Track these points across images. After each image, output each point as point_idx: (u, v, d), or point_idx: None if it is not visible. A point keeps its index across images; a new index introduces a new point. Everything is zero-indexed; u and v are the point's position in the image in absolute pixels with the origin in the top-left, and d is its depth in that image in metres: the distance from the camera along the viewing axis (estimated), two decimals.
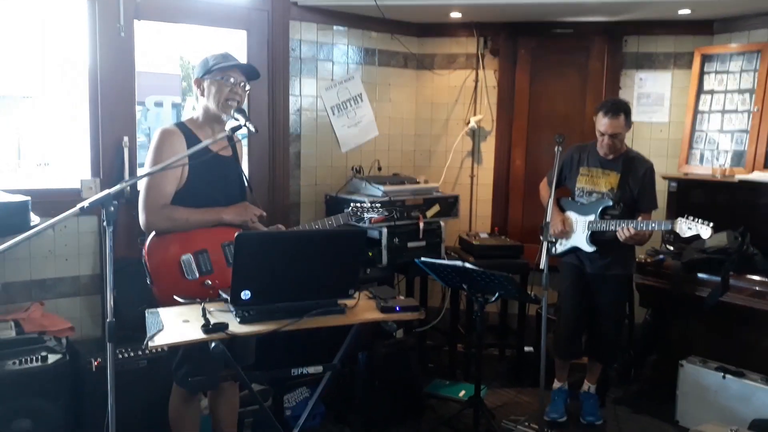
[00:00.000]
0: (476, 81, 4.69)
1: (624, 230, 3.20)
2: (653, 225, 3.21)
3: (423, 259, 3.20)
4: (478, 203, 4.79)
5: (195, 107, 2.68)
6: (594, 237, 3.38)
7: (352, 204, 3.10)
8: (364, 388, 3.41)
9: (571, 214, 3.50)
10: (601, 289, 3.48)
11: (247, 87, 2.62)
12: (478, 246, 4.13)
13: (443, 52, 4.74)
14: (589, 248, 3.39)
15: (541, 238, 3.47)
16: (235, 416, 2.81)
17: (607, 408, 3.72)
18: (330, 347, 2.61)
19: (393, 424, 3.43)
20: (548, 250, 3.29)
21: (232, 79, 2.54)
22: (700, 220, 3.08)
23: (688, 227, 3.08)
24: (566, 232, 3.46)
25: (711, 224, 3.05)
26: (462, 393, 3.83)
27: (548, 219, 3.22)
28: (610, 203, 3.37)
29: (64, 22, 3.54)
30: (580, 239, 3.43)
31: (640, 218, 3.28)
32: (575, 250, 3.48)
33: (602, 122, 3.32)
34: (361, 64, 4.48)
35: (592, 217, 3.39)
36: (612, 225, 3.27)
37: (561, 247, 3.53)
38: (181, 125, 2.59)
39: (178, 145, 2.49)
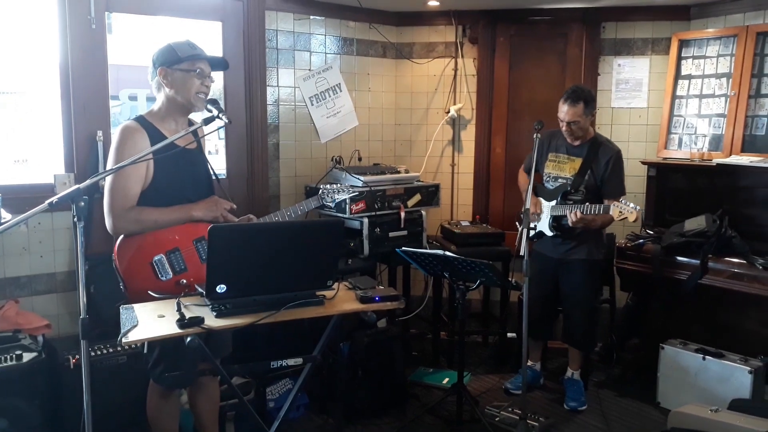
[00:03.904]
0: (455, 69, 4.65)
1: (573, 214, 3.24)
2: (594, 209, 3.22)
3: (404, 248, 3.17)
4: (459, 192, 4.76)
5: (157, 98, 2.55)
6: (555, 222, 3.45)
7: (321, 188, 3.07)
8: (347, 379, 3.38)
9: (541, 199, 3.58)
10: (565, 274, 3.54)
11: (212, 78, 2.51)
12: (459, 234, 4.11)
13: (422, 41, 4.69)
14: (549, 232, 3.46)
15: (517, 224, 3.60)
16: (215, 411, 2.76)
17: (590, 391, 3.72)
18: (313, 338, 2.57)
19: (376, 414, 3.41)
20: (528, 237, 3.29)
21: (199, 71, 2.43)
22: (631, 204, 3.10)
23: (619, 211, 3.12)
24: (538, 215, 3.53)
25: (637, 207, 3.08)
26: (446, 380, 3.81)
27: (527, 206, 3.20)
28: (569, 188, 3.44)
29: (35, 15, 3.44)
30: (543, 224, 3.51)
31: (587, 204, 3.30)
32: (541, 235, 3.54)
33: (562, 110, 3.40)
34: (339, 54, 4.41)
35: (553, 202, 3.45)
36: (566, 209, 3.33)
37: (532, 231, 3.59)
38: (141, 120, 2.46)
39: (141, 143, 2.36)
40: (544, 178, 3.59)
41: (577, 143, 3.48)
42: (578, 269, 3.49)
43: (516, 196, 4.15)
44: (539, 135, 3.37)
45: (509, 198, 4.62)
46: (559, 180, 3.50)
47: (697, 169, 3.87)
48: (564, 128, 3.41)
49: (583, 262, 3.48)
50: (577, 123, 3.38)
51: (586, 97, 3.36)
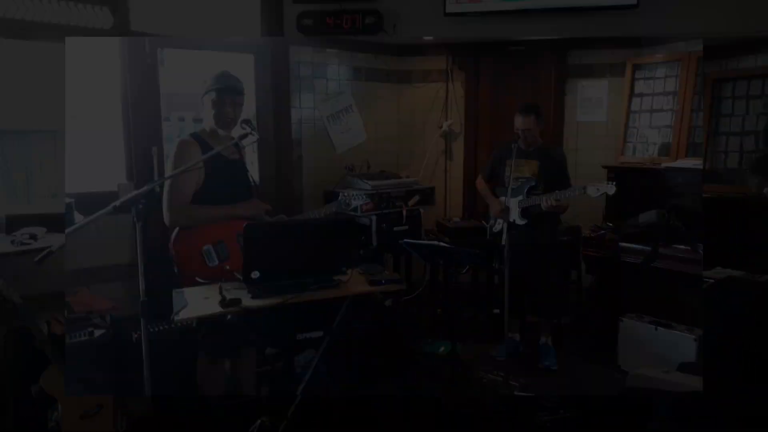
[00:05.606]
0: (447, 92, 4.64)
1: (548, 201, 3.27)
2: (569, 193, 3.26)
3: (406, 240, 3.18)
4: (451, 193, 4.76)
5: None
6: (524, 212, 3.45)
7: (341, 193, 3.12)
8: (360, 349, 3.38)
9: (504, 198, 3.53)
10: (538, 254, 3.52)
11: (241, 100, 2.53)
12: (451, 228, 4.12)
13: (419, 69, 4.68)
14: (521, 221, 3.46)
15: (484, 222, 3.72)
16: (252, 376, 2.77)
17: (560, 357, 3.70)
18: (332, 315, 2.58)
19: (384, 377, 3.40)
20: (492, 229, 3.60)
21: (215, 100, 2.45)
22: (605, 182, 3.13)
23: (596, 189, 3.13)
24: (504, 211, 3.48)
25: (614, 182, 3.08)
26: (442, 349, 3.80)
27: (507, 204, 3.21)
28: (534, 183, 3.46)
29: (102, 54, 3.44)
30: (514, 215, 3.49)
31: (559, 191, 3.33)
32: (511, 227, 3.50)
33: (517, 120, 3.45)
34: (350, 80, 4.41)
35: (521, 197, 3.45)
36: (537, 200, 3.36)
37: (499, 226, 3.60)
38: (196, 135, 2.53)
39: (195, 154, 2.42)
40: (506, 181, 3.59)
41: (530, 149, 3.50)
42: (548, 249, 3.52)
43: None
44: (516, 145, 3.38)
45: None
46: (520, 180, 3.50)
47: (649, 171, 3.85)
48: (521, 135, 3.44)
49: (551, 244, 3.53)
50: (530, 130, 3.44)
51: (536, 111, 3.46)
